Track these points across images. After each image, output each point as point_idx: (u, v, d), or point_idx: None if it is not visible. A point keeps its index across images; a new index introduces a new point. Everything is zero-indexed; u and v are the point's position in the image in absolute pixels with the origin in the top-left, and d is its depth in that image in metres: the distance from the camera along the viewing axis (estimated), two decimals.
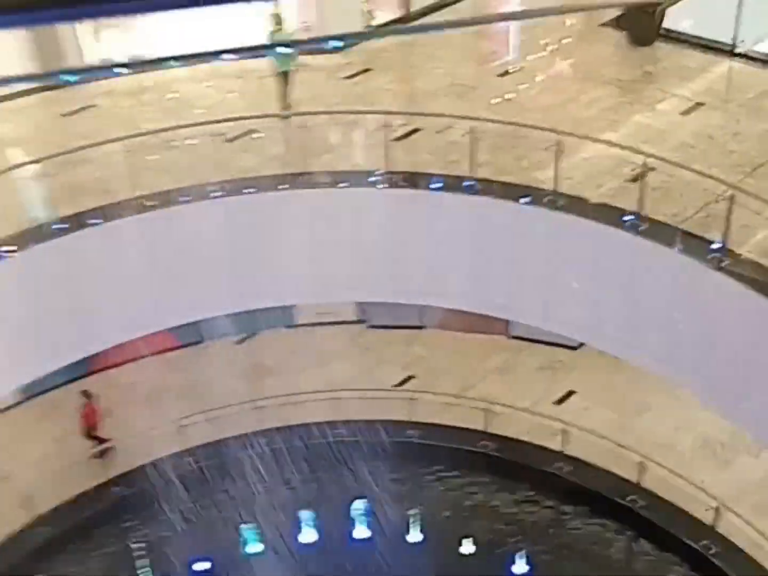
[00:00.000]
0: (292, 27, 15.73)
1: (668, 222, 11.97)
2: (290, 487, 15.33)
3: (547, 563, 15.17)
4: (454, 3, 16.97)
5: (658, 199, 12.26)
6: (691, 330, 11.65)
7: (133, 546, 14.86)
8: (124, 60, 15.34)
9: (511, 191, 12.76)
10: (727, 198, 11.58)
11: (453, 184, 12.97)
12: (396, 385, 18.17)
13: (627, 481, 15.24)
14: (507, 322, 18.51)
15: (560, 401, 17.57)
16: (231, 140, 13.64)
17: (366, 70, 16.27)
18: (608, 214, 12.14)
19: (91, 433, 16.78)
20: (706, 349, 11.64)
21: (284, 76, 14.75)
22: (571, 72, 16.20)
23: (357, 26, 16.85)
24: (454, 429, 16.72)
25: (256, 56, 14.03)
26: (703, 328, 11.60)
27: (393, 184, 13.13)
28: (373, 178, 13.11)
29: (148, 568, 14.64)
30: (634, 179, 12.58)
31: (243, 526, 15.21)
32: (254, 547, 15.25)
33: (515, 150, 13.55)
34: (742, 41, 15.74)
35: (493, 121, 13.63)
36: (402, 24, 17.54)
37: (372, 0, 17.65)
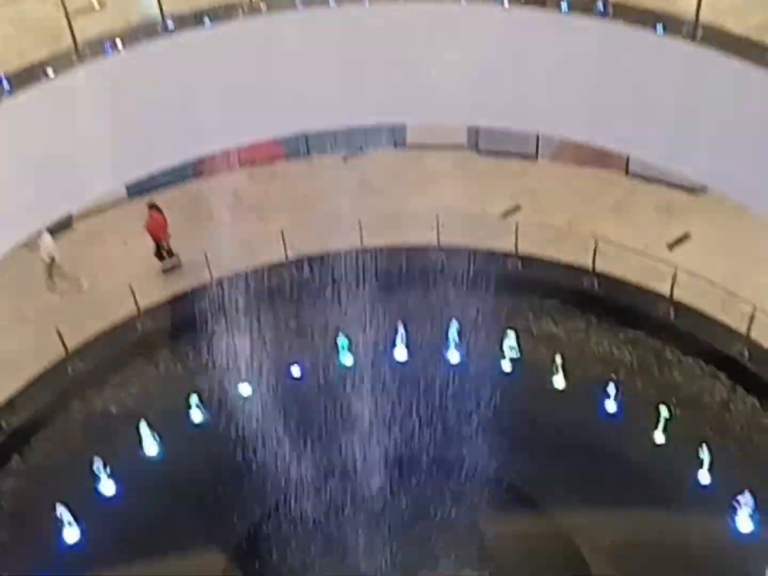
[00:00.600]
0: None
1: None
2: (388, 305, 15.34)
3: (638, 400, 14.97)
4: None
5: None
6: None
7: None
8: None
9: (646, 18, 11.68)
10: None
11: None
12: (502, 215, 17.71)
13: (736, 332, 14.67)
14: (627, 158, 17.63)
15: (674, 245, 16.85)
16: None
17: None
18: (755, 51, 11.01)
19: (160, 245, 16.99)
20: None
21: None
22: None
23: None
24: (558, 264, 16.30)
25: None
26: None
27: (520, 2, 12.21)
28: None
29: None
30: None
31: (338, 338, 15.42)
32: (347, 358, 15.50)
33: None
34: None
35: None
36: None
37: None
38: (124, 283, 15.89)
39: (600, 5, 12.13)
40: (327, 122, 14.03)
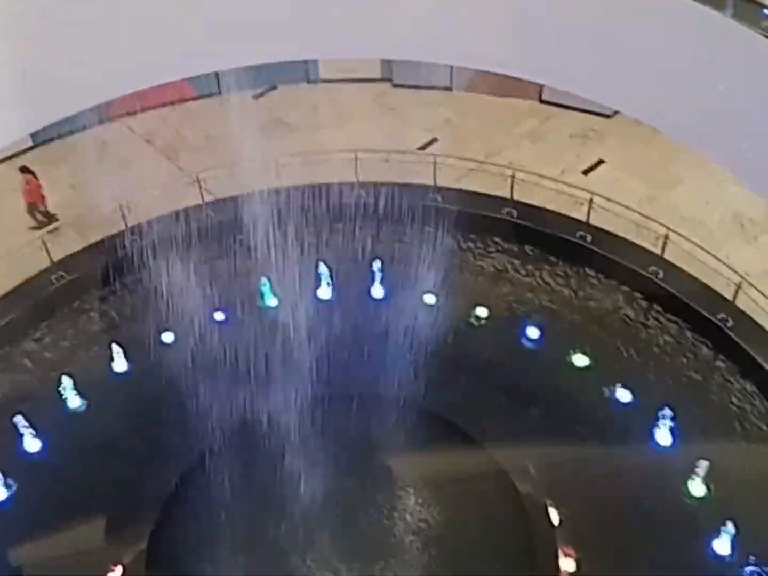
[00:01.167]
0: None
1: None
2: (309, 245, 15.20)
3: (559, 326, 15.26)
4: None
5: None
6: (733, 103, 10.92)
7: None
8: None
9: None
10: None
11: None
12: (420, 148, 17.62)
13: (651, 253, 14.98)
14: (540, 86, 17.64)
15: (589, 170, 17.04)
16: None
17: None
18: None
19: (35, 209, 16.45)
20: (746, 123, 10.96)
21: None
22: None
23: None
24: (478, 195, 16.32)
25: None
26: (748, 101, 10.85)
27: None
28: None
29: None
30: None
31: (260, 280, 15.25)
32: (271, 300, 15.37)
33: None
34: None
35: None
36: None
37: None
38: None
39: None
40: (242, 60, 13.60)
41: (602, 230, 15.44)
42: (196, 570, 12.19)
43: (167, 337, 14.98)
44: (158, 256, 14.20)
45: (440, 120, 18.22)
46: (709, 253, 14.37)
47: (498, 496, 13.02)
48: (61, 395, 14.37)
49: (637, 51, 11.60)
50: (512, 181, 15.91)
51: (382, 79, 19.04)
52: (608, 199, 15.27)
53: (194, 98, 18.70)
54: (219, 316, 15.35)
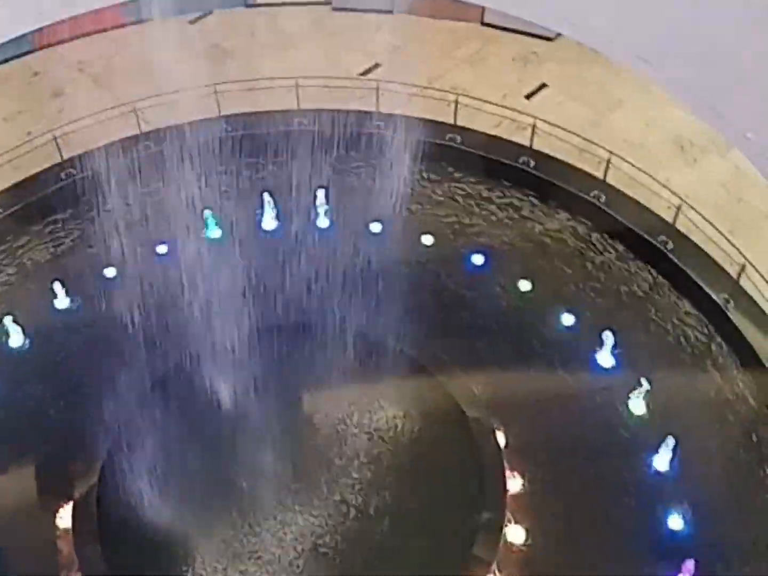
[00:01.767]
0: None
1: None
2: (251, 175, 14.99)
3: (504, 253, 15.37)
4: None
5: None
6: (675, 23, 10.87)
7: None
8: None
9: None
10: None
11: None
12: (361, 74, 17.33)
13: (593, 176, 15.06)
14: (482, 8, 17.39)
15: (531, 95, 16.96)
16: None
17: None
18: None
19: None
20: (688, 44, 10.93)
21: None
22: None
23: None
24: (421, 120, 16.14)
25: None
26: (691, 22, 10.80)
27: None
28: None
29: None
30: None
31: (204, 211, 15.02)
32: (214, 232, 15.18)
33: None
34: None
35: None
36: None
37: None
38: None
39: None
40: None
41: (545, 155, 15.47)
42: (148, 504, 12.24)
43: (109, 272, 14.73)
44: (97, 190, 13.88)
45: (382, 44, 17.89)
46: (649, 176, 14.51)
47: (447, 421, 13.25)
48: (5, 333, 14.12)
49: None
50: (455, 106, 15.78)
51: (322, 2, 18.58)
52: (551, 124, 15.26)
53: (128, 24, 18.05)
54: (162, 248, 15.14)
